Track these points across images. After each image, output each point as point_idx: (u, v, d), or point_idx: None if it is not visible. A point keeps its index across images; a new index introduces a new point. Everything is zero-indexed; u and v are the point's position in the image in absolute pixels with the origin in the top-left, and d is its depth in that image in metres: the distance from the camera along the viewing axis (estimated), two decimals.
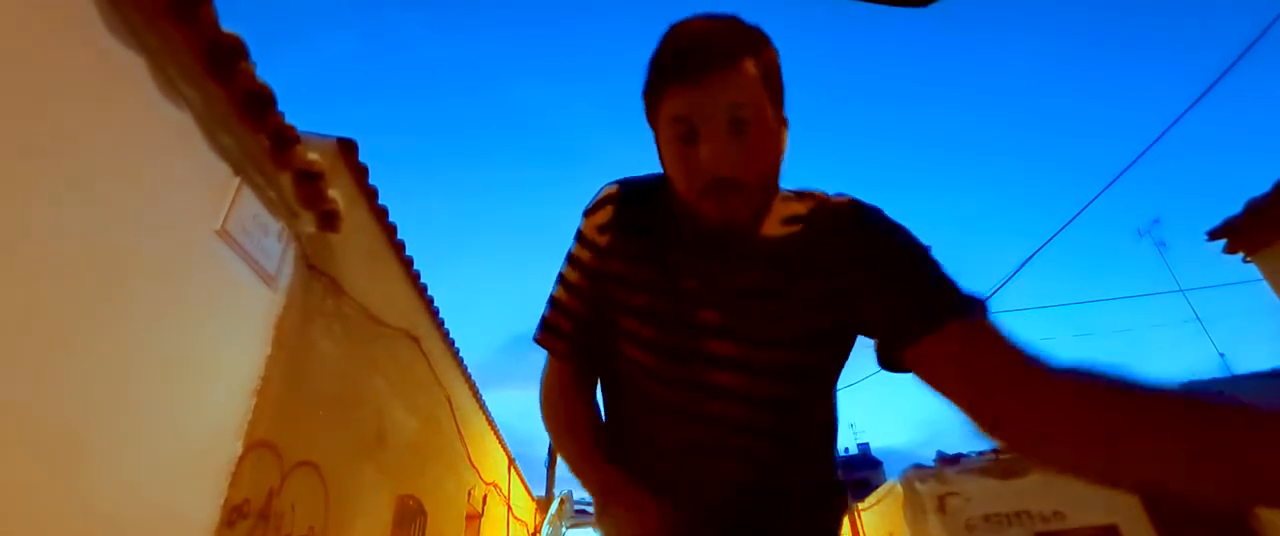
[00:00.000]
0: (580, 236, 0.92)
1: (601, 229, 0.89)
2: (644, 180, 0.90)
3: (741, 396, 0.83)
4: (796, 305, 0.79)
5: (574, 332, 0.94)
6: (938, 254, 0.76)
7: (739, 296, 0.81)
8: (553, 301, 0.95)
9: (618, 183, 0.91)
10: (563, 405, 0.98)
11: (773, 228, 0.81)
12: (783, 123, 0.77)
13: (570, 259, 0.93)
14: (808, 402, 0.88)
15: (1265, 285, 4.43)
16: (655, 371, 0.87)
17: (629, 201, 0.89)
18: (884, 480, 11.17)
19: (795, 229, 0.81)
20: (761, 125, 0.71)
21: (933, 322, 0.69)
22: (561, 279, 0.94)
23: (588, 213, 0.91)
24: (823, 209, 0.82)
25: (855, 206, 0.81)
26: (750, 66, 0.70)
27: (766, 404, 0.84)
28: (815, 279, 0.78)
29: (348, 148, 3.29)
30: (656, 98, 0.75)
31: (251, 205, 2.47)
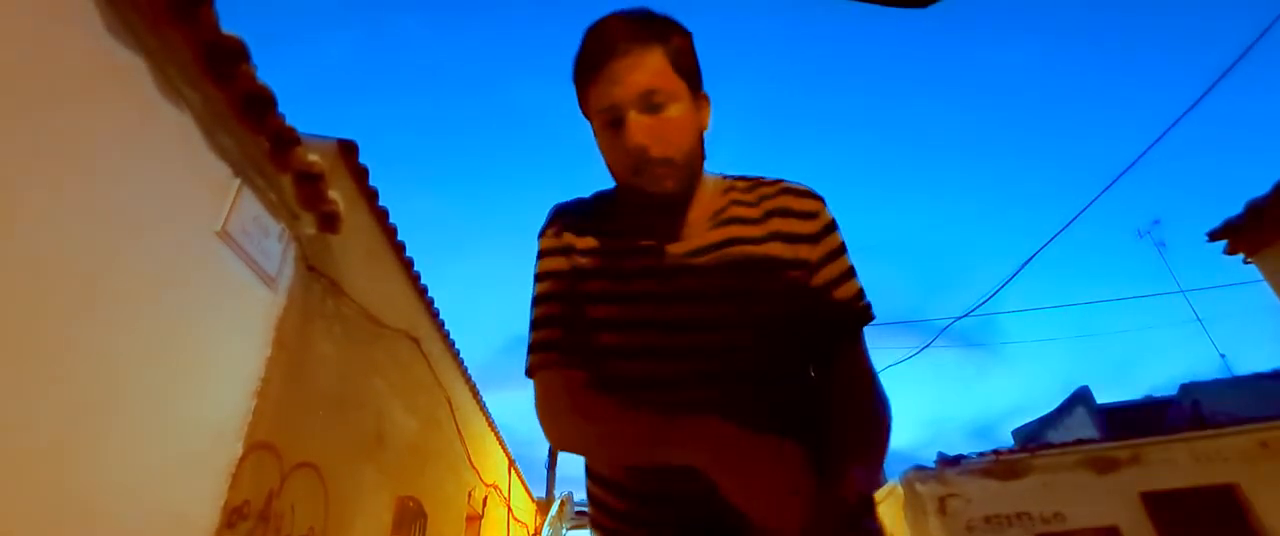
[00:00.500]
0: (541, 254, 0.94)
1: (556, 237, 0.93)
2: (581, 199, 0.99)
3: (725, 381, 0.82)
4: (749, 282, 0.85)
5: (570, 338, 0.89)
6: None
7: (694, 292, 0.85)
8: (537, 324, 0.91)
9: (556, 205, 0.98)
10: (593, 404, 0.84)
11: (712, 204, 0.90)
12: (702, 99, 0.87)
13: (538, 278, 0.93)
14: (789, 380, 0.87)
15: (1266, 286, 4.43)
16: (638, 372, 0.86)
17: (572, 212, 0.95)
18: (885, 481, 11.16)
19: (738, 208, 0.90)
20: (675, 103, 0.81)
21: (860, 325, 0.88)
22: (537, 301, 0.92)
23: (541, 234, 0.96)
24: (764, 188, 0.93)
25: (800, 191, 0.92)
26: (657, 53, 0.80)
27: (751, 384, 0.83)
28: (759, 257, 0.86)
29: (348, 149, 3.29)
30: (583, 93, 0.85)
31: (252, 206, 2.47)
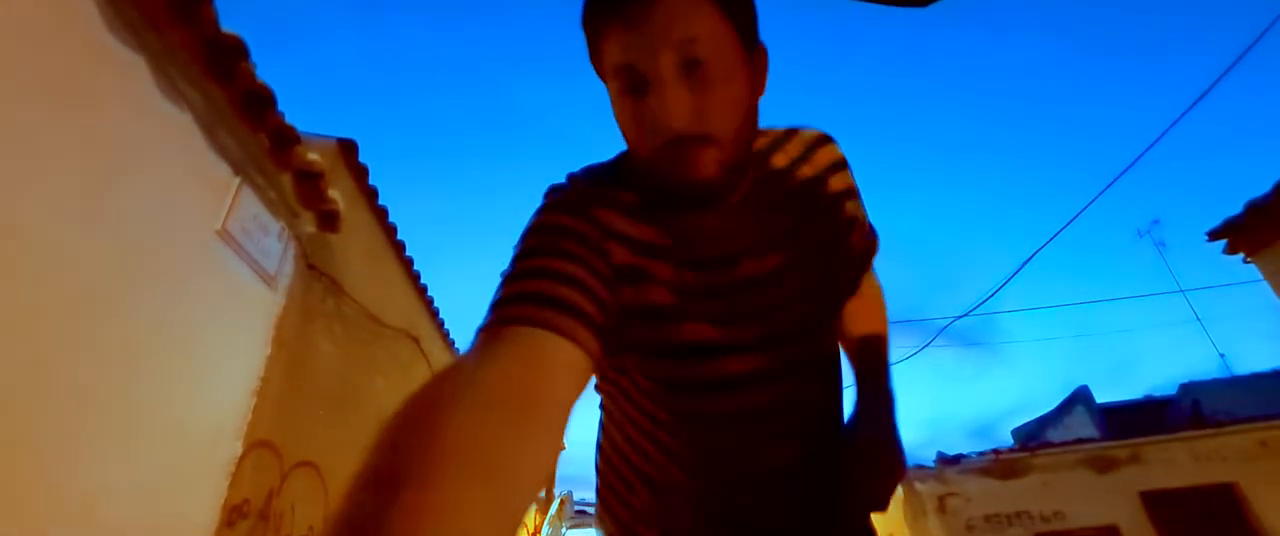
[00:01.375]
0: (547, 208, 0.67)
1: (580, 210, 0.66)
2: (600, 165, 0.73)
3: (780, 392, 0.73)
4: (801, 263, 0.71)
5: (598, 314, 0.58)
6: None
7: (744, 282, 0.69)
8: (524, 274, 0.59)
9: (569, 174, 0.72)
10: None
11: (759, 180, 0.70)
12: (759, 53, 0.63)
13: (536, 231, 0.64)
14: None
15: (1265, 285, 4.43)
16: (675, 378, 0.70)
17: (592, 180, 0.69)
18: None
19: (788, 175, 0.72)
20: (723, 62, 0.57)
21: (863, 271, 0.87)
22: (528, 253, 0.61)
23: (552, 200, 0.68)
24: (800, 144, 0.75)
25: (829, 140, 0.77)
26: None
27: (805, 387, 0.76)
28: (816, 224, 0.73)
29: (348, 148, 3.29)
30: (597, 42, 0.60)
31: (251, 205, 2.47)
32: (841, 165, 0.76)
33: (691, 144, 0.58)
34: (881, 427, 0.78)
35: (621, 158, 0.72)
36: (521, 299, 0.55)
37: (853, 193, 0.77)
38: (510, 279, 0.58)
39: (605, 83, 0.63)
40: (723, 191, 0.63)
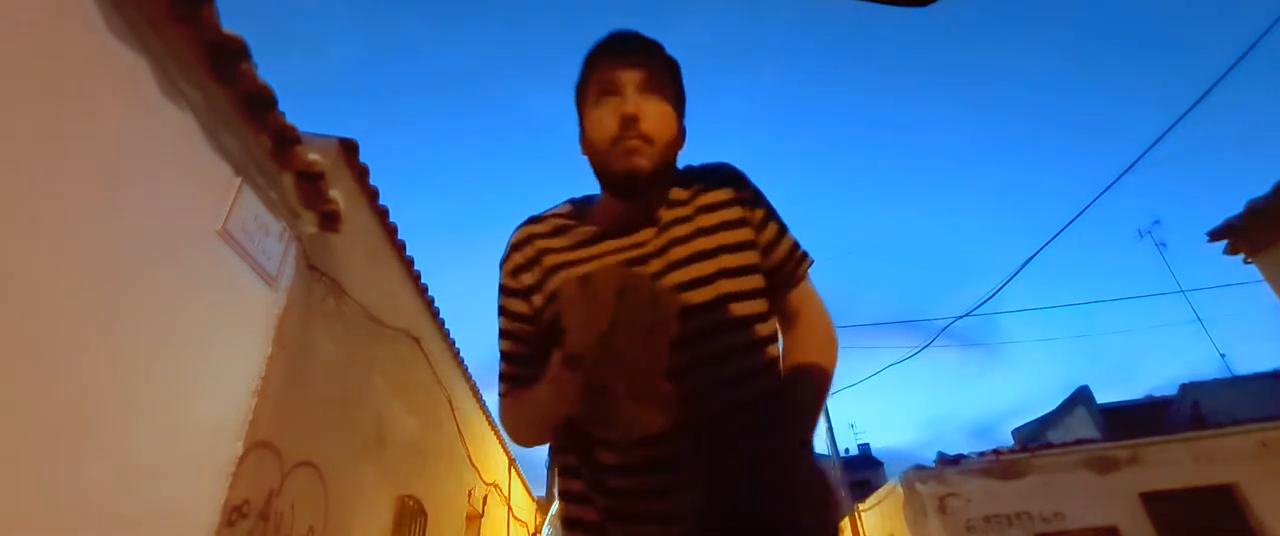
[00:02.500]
0: (500, 289, 1.01)
1: (511, 274, 1.00)
2: (544, 212, 1.04)
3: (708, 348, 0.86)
4: (707, 245, 0.92)
5: (523, 372, 0.97)
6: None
7: (668, 273, 0.90)
8: (501, 357, 1.01)
9: (517, 227, 1.04)
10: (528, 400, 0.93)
11: (676, 195, 0.96)
12: (681, 120, 0.97)
13: (499, 312, 1.01)
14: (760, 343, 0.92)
15: (1266, 286, 4.43)
16: None
17: (537, 220, 1.02)
18: (885, 481, 11.17)
19: (693, 187, 0.98)
20: (666, 100, 0.93)
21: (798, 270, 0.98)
22: (500, 335, 1.01)
23: (501, 264, 1.03)
24: (708, 170, 1.01)
25: (732, 168, 1.01)
26: (663, 58, 0.94)
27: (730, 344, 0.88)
28: (720, 226, 0.94)
29: (349, 148, 3.29)
30: (590, 72, 0.94)
31: (252, 205, 2.47)
32: (742, 185, 0.99)
33: (635, 137, 0.88)
34: (795, 469, 0.78)
35: (567, 201, 1.05)
36: (505, 381, 1.00)
37: (750, 206, 0.97)
38: (501, 361, 1.01)
39: (585, 100, 0.95)
40: (648, 185, 0.91)
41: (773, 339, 0.93)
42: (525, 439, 0.98)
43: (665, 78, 0.93)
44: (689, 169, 1.01)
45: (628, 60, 0.91)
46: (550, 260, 0.96)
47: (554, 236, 0.98)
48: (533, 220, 1.02)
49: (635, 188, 0.90)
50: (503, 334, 1.00)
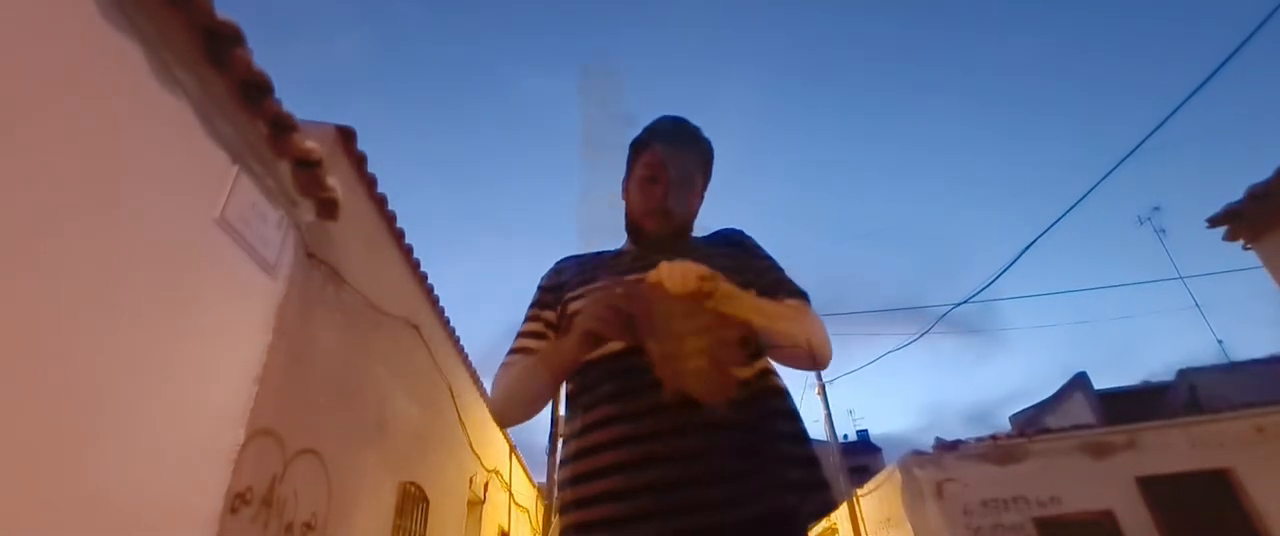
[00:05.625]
0: (537, 291, 1.26)
1: (552, 278, 1.26)
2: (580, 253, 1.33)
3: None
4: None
5: (533, 344, 1.18)
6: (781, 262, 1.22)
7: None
8: (523, 335, 1.21)
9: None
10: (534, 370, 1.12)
11: (689, 247, 1.20)
12: (702, 196, 1.26)
13: (532, 306, 1.25)
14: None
15: (1264, 272, 4.43)
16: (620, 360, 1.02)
17: (574, 256, 1.31)
18: (883, 466, 11.24)
19: (705, 240, 1.25)
20: (696, 189, 1.22)
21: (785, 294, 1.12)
22: (526, 321, 1.23)
23: (543, 276, 1.29)
24: (719, 232, 1.28)
25: (737, 231, 1.28)
26: (706, 152, 1.22)
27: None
28: (719, 258, 1.08)
29: (346, 135, 3.27)
30: (643, 147, 1.21)
31: (250, 193, 2.46)
32: (747, 242, 1.24)
33: (662, 214, 1.18)
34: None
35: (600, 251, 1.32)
36: (517, 351, 1.18)
37: (753, 256, 1.21)
38: (518, 335, 1.22)
39: (631, 167, 1.24)
40: (668, 239, 1.18)
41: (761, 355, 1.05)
42: (519, 395, 1.10)
43: (698, 167, 1.20)
44: (704, 235, 1.26)
45: (682, 152, 1.17)
46: (579, 275, 1.19)
47: (585, 260, 1.25)
48: (571, 256, 1.31)
49: (659, 240, 1.18)
50: (527, 319, 1.22)
